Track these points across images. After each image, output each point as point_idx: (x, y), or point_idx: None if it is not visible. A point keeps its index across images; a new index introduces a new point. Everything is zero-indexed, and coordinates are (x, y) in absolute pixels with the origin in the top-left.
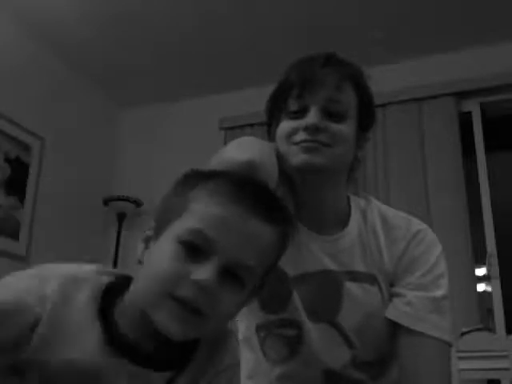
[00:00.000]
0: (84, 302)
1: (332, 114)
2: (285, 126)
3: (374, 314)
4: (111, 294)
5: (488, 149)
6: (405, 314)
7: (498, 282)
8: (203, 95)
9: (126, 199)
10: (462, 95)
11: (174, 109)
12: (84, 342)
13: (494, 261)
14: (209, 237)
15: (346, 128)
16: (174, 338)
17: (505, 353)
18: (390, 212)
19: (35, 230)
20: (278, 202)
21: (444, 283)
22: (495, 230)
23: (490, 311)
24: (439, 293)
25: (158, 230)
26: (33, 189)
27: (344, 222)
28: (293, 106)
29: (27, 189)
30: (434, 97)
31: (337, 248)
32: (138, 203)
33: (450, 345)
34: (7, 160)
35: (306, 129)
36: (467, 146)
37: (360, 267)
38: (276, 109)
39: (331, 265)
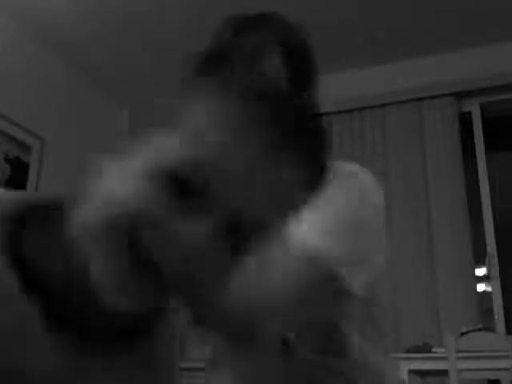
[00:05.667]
0: None
1: None
2: None
3: None
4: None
5: (488, 149)
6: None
7: (498, 282)
8: None
9: None
10: (461, 95)
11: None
12: None
13: (494, 261)
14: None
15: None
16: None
17: (505, 353)
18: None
19: None
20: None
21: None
22: (495, 230)
23: (490, 311)
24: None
25: None
26: (33, 189)
27: None
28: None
29: (27, 189)
30: (434, 97)
31: None
32: None
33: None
34: (7, 160)
35: None
36: (467, 146)
37: None
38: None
39: None
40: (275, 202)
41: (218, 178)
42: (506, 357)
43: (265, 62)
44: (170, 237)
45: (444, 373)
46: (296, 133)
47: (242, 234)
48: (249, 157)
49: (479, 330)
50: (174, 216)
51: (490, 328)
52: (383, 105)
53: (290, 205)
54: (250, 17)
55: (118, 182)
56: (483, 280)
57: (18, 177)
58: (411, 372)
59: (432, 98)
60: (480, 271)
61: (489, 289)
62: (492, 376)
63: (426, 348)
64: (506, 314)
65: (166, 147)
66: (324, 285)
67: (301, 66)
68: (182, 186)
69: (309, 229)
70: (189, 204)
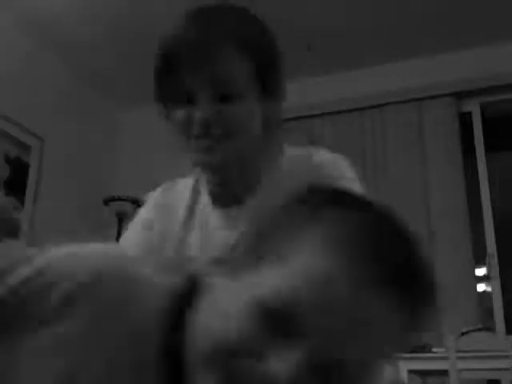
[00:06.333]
0: None
1: (224, 97)
2: (178, 115)
3: None
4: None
5: (488, 149)
6: None
7: (498, 282)
8: None
9: (126, 199)
10: (461, 95)
11: None
12: None
13: (494, 261)
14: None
15: (244, 108)
16: None
17: (505, 353)
18: (314, 157)
19: (35, 229)
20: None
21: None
22: (495, 230)
23: (490, 311)
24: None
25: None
26: (33, 189)
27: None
28: (179, 93)
29: (27, 189)
30: (434, 97)
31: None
32: (138, 203)
33: None
34: (7, 160)
35: (198, 123)
36: (467, 146)
37: None
38: (164, 94)
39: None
40: (378, 341)
41: (317, 312)
42: (506, 357)
43: (219, 63)
44: (259, 370)
45: (444, 373)
46: (402, 269)
47: (338, 374)
48: (354, 291)
49: (479, 329)
50: (266, 350)
51: (490, 328)
52: (383, 105)
53: (392, 344)
54: (203, 9)
55: (225, 318)
56: (483, 280)
57: (18, 177)
58: (411, 372)
59: (432, 97)
60: (480, 271)
61: (489, 289)
62: (492, 376)
63: (426, 348)
64: (505, 314)
65: (269, 284)
66: None
67: (267, 58)
68: (277, 322)
69: None
70: (279, 338)
